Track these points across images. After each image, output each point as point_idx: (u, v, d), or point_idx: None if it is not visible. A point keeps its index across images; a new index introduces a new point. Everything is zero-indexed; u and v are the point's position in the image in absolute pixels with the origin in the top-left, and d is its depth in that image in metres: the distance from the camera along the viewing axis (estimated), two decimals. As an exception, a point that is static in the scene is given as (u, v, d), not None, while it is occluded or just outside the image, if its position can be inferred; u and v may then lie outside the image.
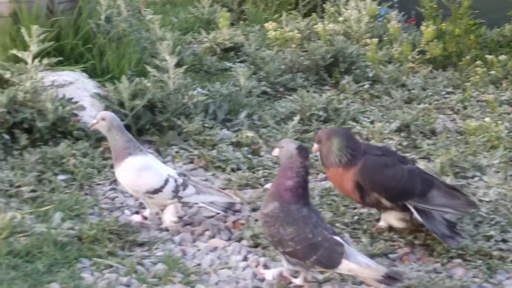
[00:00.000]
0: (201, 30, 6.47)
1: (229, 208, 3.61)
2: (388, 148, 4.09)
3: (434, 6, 6.27)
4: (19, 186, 3.60)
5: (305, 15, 7.23)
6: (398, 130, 4.73)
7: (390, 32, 6.45)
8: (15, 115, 3.98)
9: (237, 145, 4.34)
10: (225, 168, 4.06)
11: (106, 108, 4.31)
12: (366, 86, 5.57)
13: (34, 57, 4.09)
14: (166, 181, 3.52)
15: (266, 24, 6.42)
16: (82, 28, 4.64)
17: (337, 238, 2.92)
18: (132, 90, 4.26)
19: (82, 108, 4.16)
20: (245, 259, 3.23)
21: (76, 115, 4.13)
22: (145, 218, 3.61)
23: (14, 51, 4.18)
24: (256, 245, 3.35)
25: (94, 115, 4.10)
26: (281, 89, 5.39)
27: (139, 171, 3.53)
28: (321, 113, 4.78)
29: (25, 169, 3.72)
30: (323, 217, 3.11)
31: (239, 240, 3.40)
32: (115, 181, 3.89)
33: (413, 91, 5.52)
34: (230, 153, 4.13)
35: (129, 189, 3.61)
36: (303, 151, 2.98)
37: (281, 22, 6.72)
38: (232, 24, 6.84)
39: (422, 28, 6.17)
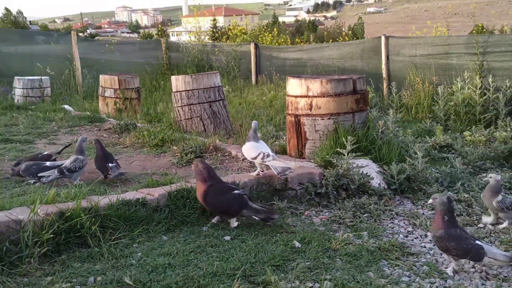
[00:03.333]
0: (426, 136, 6.07)
1: (285, 171, 3.88)
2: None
3: None
4: (341, 217, 3.63)
5: (486, 127, 6.69)
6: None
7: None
8: (340, 182, 4.01)
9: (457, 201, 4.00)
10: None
11: (384, 177, 4.27)
12: None
13: (348, 153, 4.17)
14: (259, 154, 3.94)
15: (465, 133, 6.12)
16: (369, 136, 4.73)
17: (479, 242, 2.86)
18: (398, 170, 4.23)
19: (372, 178, 4.16)
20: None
21: (369, 182, 4.12)
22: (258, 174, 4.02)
23: (338, 149, 4.32)
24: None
25: (378, 183, 4.19)
26: (477, 169, 4.93)
27: (247, 148, 4.09)
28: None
29: (345, 210, 3.75)
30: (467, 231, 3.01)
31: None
32: (392, 219, 3.75)
33: None
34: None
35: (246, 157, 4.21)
36: (451, 201, 2.95)
37: (472, 131, 6.32)
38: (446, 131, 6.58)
39: None
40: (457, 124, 7.08)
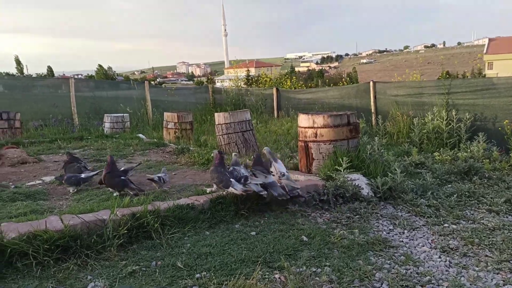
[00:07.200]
0: (405, 156, 5.93)
1: (293, 190, 3.73)
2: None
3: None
4: (338, 218, 3.51)
5: (451, 149, 6.46)
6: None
7: None
8: (338, 191, 3.90)
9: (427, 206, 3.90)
10: (422, 214, 3.70)
11: (371, 187, 4.14)
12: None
13: (344, 169, 4.10)
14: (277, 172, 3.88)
15: (434, 153, 5.93)
16: (360, 157, 4.62)
17: (232, 180, 3.49)
18: (382, 182, 4.10)
19: (362, 189, 4.05)
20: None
21: (360, 191, 3.99)
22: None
23: (336, 167, 4.27)
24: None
25: (367, 192, 4.04)
26: (444, 181, 4.76)
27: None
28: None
29: (342, 212, 3.61)
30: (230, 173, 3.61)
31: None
32: (377, 219, 3.72)
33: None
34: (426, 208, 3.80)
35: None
36: (221, 152, 3.70)
37: (440, 152, 6.12)
38: (420, 152, 6.36)
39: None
40: (428, 147, 6.88)
